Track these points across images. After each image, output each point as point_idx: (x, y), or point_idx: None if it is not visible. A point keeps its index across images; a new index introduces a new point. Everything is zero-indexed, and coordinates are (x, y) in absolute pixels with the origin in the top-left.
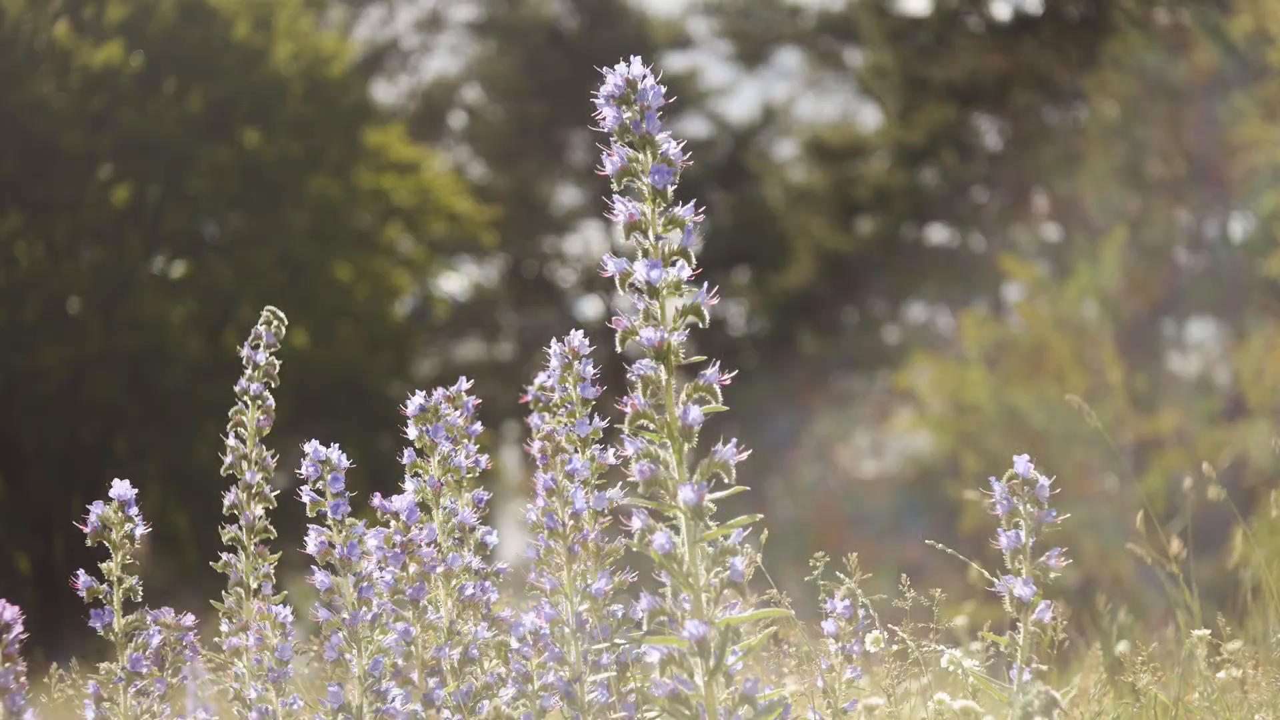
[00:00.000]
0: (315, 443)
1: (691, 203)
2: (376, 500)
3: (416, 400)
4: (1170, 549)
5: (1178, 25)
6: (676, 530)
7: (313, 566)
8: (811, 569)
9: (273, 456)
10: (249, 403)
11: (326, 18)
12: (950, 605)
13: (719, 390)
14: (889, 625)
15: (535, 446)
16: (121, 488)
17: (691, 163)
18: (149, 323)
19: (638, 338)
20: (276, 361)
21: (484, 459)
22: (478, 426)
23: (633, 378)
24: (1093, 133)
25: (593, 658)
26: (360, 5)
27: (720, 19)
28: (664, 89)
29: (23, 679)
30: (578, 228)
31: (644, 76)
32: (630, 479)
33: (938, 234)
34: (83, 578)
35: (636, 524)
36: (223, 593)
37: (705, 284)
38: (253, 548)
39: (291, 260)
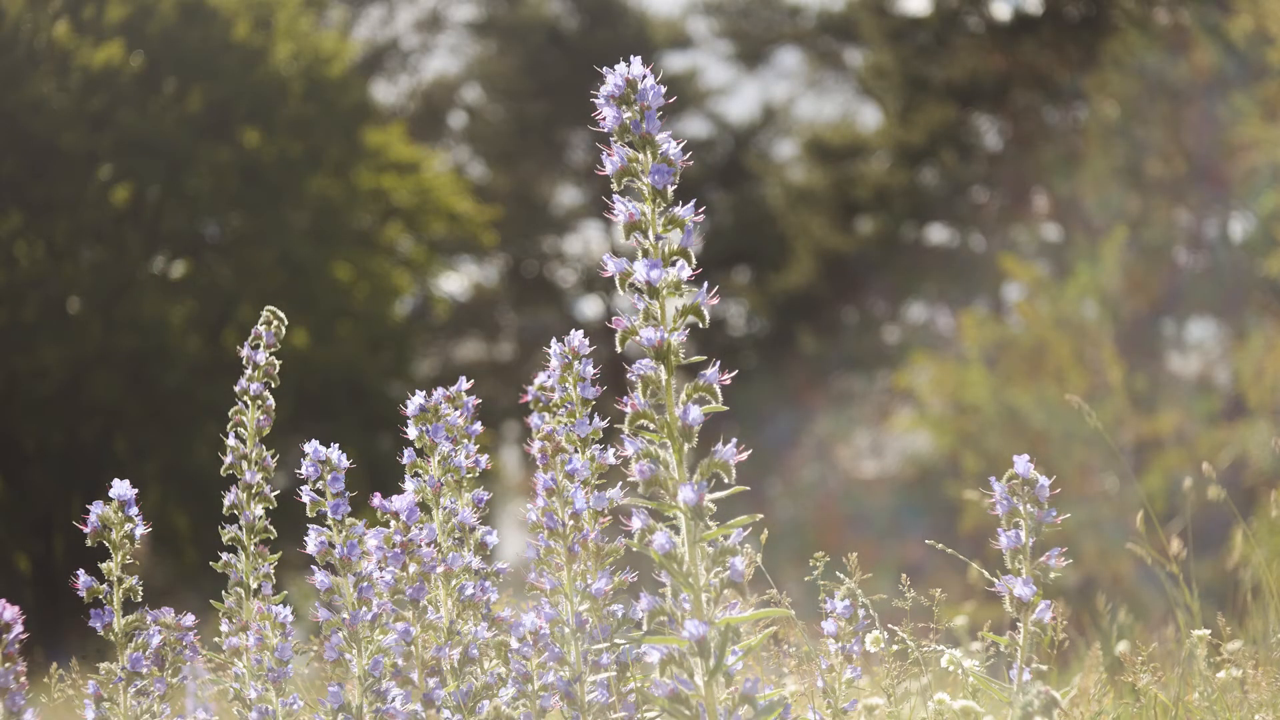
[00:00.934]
0: (315, 443)
1: (691, 203)
2: (376, 500)
3: (416, 400)
4: (1170, 549)
5: (1178, 25)
6: (676, 530)
7: (313, 566)
8: (811, 569)
9: (273, 456)
10: (249, 403)
11: (326, 18)
12: (950, 605)
13: (719, 390)
14: (889, 625)
15: (535, 446)
16: (121, 488)
17: (691, 163)
18: (149, 323)
19: (638, 338)
20: (276, 361)
21: (484, 459)
22: (478, 426)
23: (633, 378)
24: (1093, 133)
25: (593, 658)
26: (360, 5)
27: (720, 19)
28: (664, 89)
29: (23, 679)
30: (578, 228)
31: (644, 76)
32: (630, 479)
33: (938, 234)
34: (83, 578)
35: (636, 524)
36: (223, 593)
37: (705, 284)
38: (253, 548)
39: (291, 260)
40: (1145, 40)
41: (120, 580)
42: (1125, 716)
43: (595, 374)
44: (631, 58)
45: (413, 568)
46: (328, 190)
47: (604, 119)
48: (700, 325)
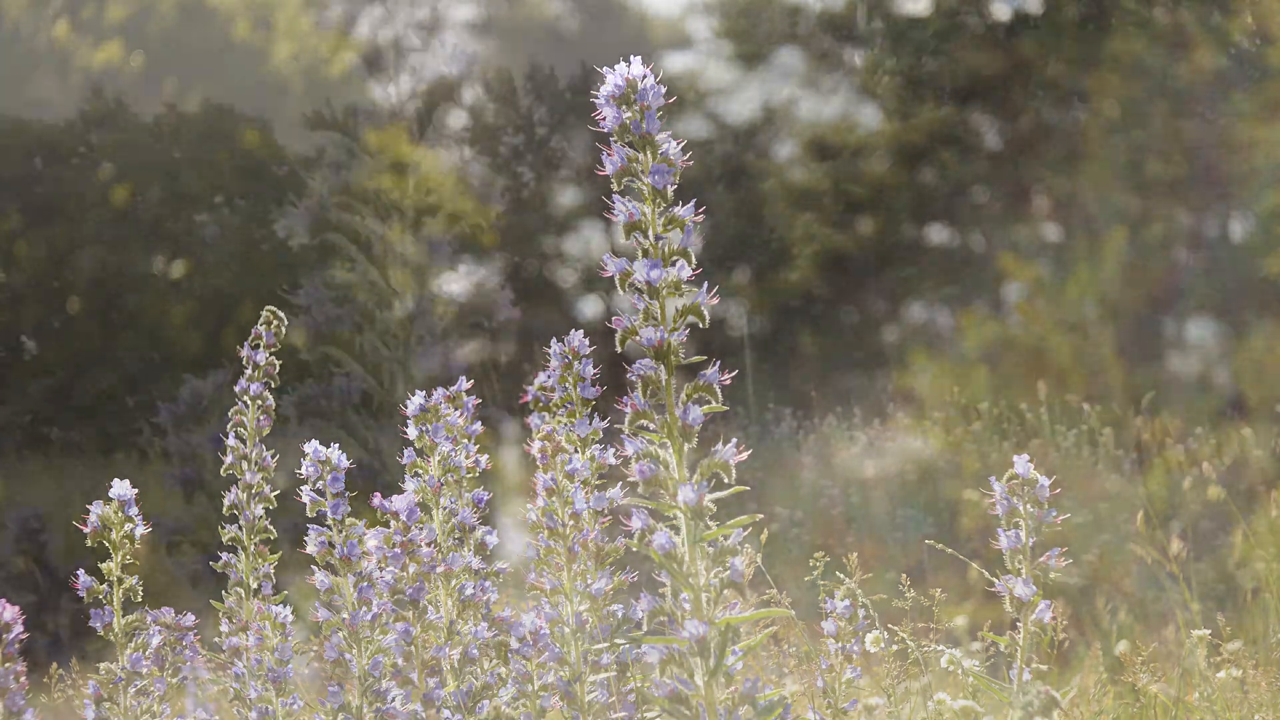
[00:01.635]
0: (315, 443)
1: (691, 203)
2: (376, 500)
3: (416, 400)
4: (1170, 549)
5: (1178, 25)
6: (676, 530)
7: (313, 566)
8: (811, 569)
9: (273, 456)
10: (249, 403)
11: (326, 18)
12: (950, 605)
13: (719, 390)
14: (889, 625)
15: (535, 446)
16: (121, 488)
17: (691, 163)
18: (149, 323)
19: (638, 338)
20: (276, 361)
21: (484, 459)
22: (478, 426)
23: (633, 378)
24: (1093, 133)
25: (593, 658)
26: (360, 5)
27: (720, 19)
28: (664, 89)
29: (23, 679)
30: (578, 228)
31: (644, 76)
32: (630, 479)
33: (938, 234)
34: (83, 578)
35: (636, 524)
36: (223, 593)
37: (705, 284)
38: (253, 548)
39: None
40: (1145, 40)
41: (120, 580)
42: (1125, 716)
43: (595, 374)
44: (631, 58)
45: (413, 568)
46: None
47: (604, 119)
48: (700, 325)
